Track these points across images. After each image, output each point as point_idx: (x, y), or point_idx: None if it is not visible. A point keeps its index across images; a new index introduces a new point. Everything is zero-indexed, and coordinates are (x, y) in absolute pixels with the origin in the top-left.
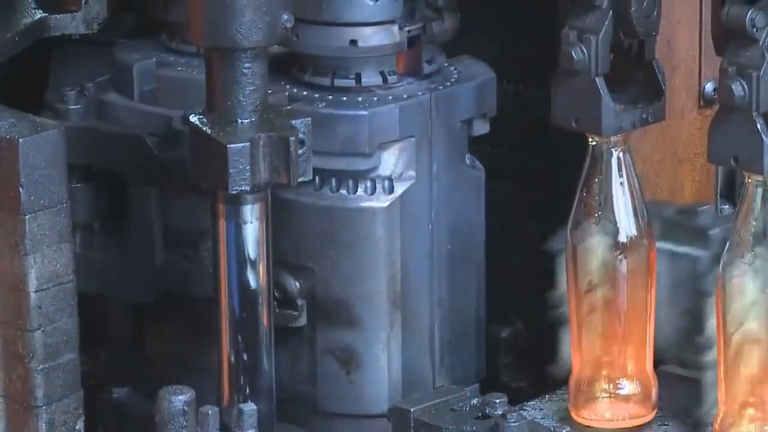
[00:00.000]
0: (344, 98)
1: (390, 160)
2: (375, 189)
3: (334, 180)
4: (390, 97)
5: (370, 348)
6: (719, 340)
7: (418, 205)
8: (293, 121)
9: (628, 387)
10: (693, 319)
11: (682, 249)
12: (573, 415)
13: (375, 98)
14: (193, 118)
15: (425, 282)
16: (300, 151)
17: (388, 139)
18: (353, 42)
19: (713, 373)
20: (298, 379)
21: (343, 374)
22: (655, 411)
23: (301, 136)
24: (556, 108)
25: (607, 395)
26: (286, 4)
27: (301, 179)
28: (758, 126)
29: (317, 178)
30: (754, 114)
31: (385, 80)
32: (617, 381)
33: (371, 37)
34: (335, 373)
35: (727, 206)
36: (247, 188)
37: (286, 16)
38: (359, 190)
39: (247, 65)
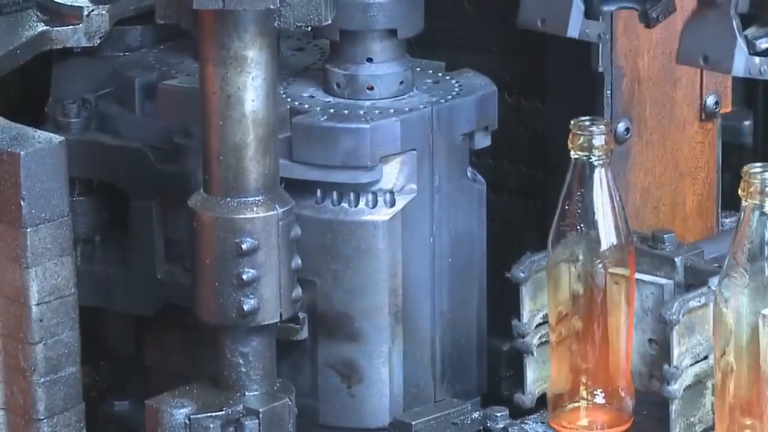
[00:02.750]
0: (346, 111)
1: (391, 173)
2: (376, 202)
3: (335, 193)
4: (392, 111)
5: (372, 361)
6: (716, 360)
7: (419, 218)
8: None
9: (605, 396)
10: (658, 348)
11: (647, 277)
12: (552, 423)
13: (377, 111)
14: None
15: (426, 295)
16: None
17: (390, 152)
18: None
19: (679, 403)
20: (300, 393)
21: (344, 388)
22: (631, 420)
23: None
24: (523, 7)
25: (585, 404)
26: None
27: None
28: (734, 24)
29: (318, 191)
30: (731, 12)
31: None
32: (594, 391)
33: None
34: (336, 386)
35: (728, 220)
36: None
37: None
38: (361, 203)
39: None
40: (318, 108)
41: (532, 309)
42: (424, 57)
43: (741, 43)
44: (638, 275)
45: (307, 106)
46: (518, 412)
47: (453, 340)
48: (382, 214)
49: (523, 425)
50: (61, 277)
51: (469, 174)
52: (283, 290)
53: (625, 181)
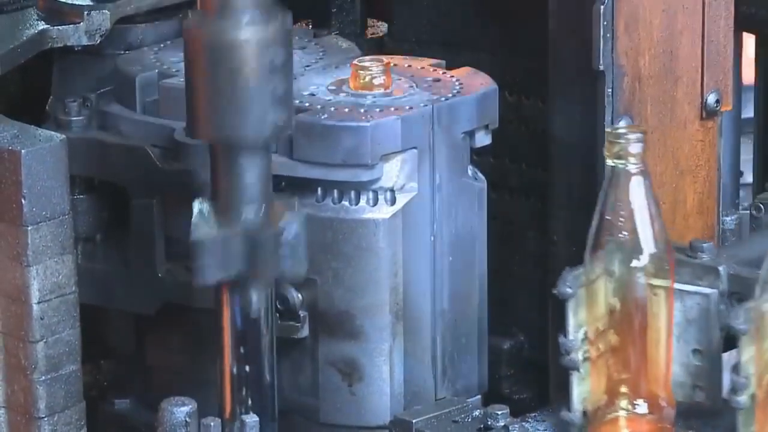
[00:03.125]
0: (347, 109)
1: (392, 172)
2: (377, 200)
3: (336, 191)
4: (392, 109)
5: (372, 359)
6: (758, 369)
7: (420, 216)
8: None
9: (646, 405)
10: (703, 358)
11: (690, 287)
12: None
13: (377, 109)
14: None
15: (427, 293)
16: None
17: (391, 150)
18: None
19: (745, 414)
20: (300, 391)
21: (345, 386)
22: (672, 430)
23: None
24: None
25: (626, 413)
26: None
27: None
28: None
29: (319, 190)
30: None
31: None
32: (635, 401)
33: None
34: (337, 384)
35: (729, 218)
36: None
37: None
38: (361, 201)
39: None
40: (319, 106)
41: (576, 324)
42: (425, 56)
43: None
44: (681, 285)
45: (307, 104)
46: (519, 410)
47: (454, 338)
48: (383, 212)
49: (524, 423)
50: (61, 276)
51: (470, 172)
52: None
53: None
